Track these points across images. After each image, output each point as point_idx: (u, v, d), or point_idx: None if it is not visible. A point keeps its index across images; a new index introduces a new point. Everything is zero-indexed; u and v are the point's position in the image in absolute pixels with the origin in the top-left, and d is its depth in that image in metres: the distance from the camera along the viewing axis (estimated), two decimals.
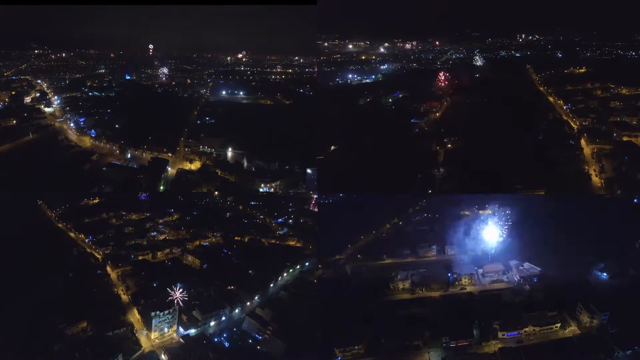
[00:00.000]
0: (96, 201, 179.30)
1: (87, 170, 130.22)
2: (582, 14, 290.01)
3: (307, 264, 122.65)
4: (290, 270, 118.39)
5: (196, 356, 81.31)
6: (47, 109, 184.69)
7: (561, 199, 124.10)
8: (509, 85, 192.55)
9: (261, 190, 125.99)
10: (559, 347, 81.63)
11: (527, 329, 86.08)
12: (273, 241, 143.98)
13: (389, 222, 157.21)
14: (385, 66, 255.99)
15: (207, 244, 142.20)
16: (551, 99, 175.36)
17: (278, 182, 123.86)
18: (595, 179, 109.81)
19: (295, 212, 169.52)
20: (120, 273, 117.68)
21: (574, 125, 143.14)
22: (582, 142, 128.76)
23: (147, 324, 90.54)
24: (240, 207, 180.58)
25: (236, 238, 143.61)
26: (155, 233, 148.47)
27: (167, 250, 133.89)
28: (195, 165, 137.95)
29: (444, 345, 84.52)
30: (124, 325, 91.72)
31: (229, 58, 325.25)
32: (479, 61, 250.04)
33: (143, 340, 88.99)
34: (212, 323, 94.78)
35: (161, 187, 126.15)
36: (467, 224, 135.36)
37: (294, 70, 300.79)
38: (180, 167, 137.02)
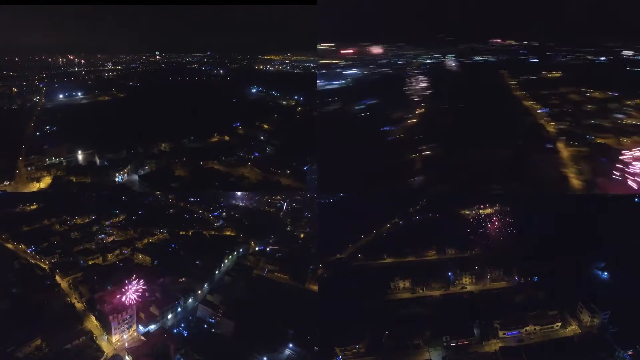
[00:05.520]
0: (34, 207, 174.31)
1: None
2: (555, 20, 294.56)
3: (241, 250, 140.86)
4: (230, 257, 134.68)
5: (159, 350, 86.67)
6: None
7: (561, 198, 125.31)
8: (484, 91, 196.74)
9: (117, 179, 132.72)
10: (559, 346, 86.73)
11: (527, 328, 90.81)
12: (213, 232, 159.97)
13: (389, 221, 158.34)
14: (355, 71, 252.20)
15: (155, 241, 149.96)
16: (527, 103, 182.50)
17: (128, 167, 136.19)
18: (575, 182, 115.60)
19: (226, 206, 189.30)
20: (71, 281, 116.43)
21: (550, 129, 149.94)
22: (560, 145, 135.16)
23: (107, 329, 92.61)
24: (181, 204, 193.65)
25: (181, 233, 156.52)
26: (103, 235, 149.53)
27: (117, 252, 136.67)
28: (45, 183, 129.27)
29: (445, 344, 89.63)
30: (82, 334, 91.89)
31: (60, 60, 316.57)
32: (453, 66, 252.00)
33: (105, 345, 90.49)
34: (170, 316, 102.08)
35: None
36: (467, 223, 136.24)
37: (122, 66, 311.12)
38: (25, 191, 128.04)
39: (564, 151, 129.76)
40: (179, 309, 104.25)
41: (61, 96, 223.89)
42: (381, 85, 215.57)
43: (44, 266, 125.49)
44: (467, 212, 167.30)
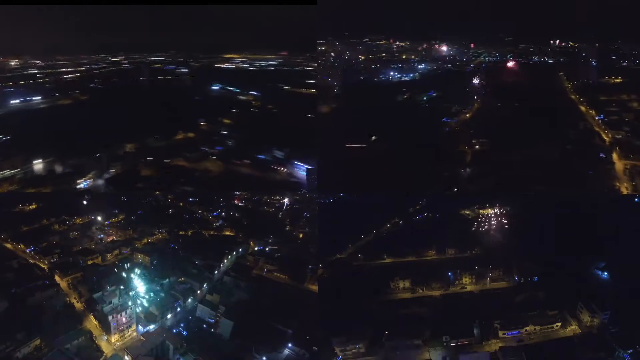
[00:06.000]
0: (33, 206, 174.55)
1: None
2: (620, 22, 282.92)
3: (240, 250, 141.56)
4: (229, 257, 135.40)
5: (158, 350, 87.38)
6: None
7: (561, 198, 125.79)
8: (539, 92, 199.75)
9: (81, 186, 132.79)
10: (559, 346, 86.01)
11: (527, 328, 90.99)
12: (212, 232, 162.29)
13: (389, 221, 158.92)
14: (422, 66, 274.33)
15: (155, 240, 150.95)
16: (583, 108, 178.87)
17: (93, 172, 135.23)
18: None
19: (225, 206, 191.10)
20: (70, 281, 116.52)
21: (605, 138, 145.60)
22: (614, 156, 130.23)
23: (106, 329, 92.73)
24: (181, 204, 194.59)
25: (180, 232, 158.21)
26: (102, 235, 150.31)
27: (117, 252, 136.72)
28: None
29: (445, 344, 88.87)
30: (82, 334, 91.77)
31: (13, 62, 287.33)
32: (511, 65, 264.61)
33: (104, 345, 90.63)
34: (169, 316, 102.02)
35: None
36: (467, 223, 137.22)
37: (85, 68, 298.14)
38: None
39: (618, 163, 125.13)
40: (179, 309, 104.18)
41: (15, 101, 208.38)
42: (444, 80, 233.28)
43: (43, 266, 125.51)
44: (467, 212, 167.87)
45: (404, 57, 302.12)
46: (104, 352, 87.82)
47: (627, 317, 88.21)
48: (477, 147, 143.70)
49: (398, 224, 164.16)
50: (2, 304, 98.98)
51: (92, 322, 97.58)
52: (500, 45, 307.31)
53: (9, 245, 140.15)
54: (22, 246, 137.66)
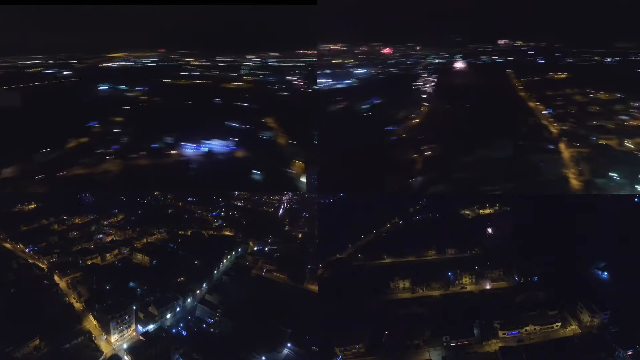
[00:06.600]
0: (32, 206, 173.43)
1: None
2: (564, 21, 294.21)
3: (239, 249, 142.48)
4: (229, 257, 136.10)
5: (158, 350, 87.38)
6: None
7: (561, 198, 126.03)
8: (489, 91, 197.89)
9: None
10: (559, 346, 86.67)
11: (527, 328, 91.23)
12: (211, 232, 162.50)
13: (389, 221, 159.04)
14: (363, 70, 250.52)
15: (154, 240, 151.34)
16: (531, 104, 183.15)
17: None
18: (574, 182, 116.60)
19: (225, 206, 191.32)
20: (69, 280, 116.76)
21: (553, 130, 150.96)
22: (562, 146, 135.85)
23: (105, 329, 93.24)
24: (180, 204, 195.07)
25: (180, 232, 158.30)
26: (101, 235, 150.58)
27: (116, 252, 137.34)
28: None
29: (445, 344, 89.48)
30: (81, 334, 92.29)
31: None
32: (460, 66, 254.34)
33: (103, 345, 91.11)
34: (169, 315, 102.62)
35: None
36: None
37: None
38: None
39: (565, 152, 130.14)
40: (178, 309, 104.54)
41: None
42: (388, 84, 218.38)
43: (43, 266, 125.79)
44: (467, 212, 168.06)
45: (336, 61, 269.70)
46: (103, 352, 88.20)
47: (627, 317, 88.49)
48: (427, 153, 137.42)
49: (398, 224, 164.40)
50: (2, 304, 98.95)
51: (91, 322, 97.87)
52: (448, 46, 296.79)
53: (8, 245, 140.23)
54: (22, 246, 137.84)
